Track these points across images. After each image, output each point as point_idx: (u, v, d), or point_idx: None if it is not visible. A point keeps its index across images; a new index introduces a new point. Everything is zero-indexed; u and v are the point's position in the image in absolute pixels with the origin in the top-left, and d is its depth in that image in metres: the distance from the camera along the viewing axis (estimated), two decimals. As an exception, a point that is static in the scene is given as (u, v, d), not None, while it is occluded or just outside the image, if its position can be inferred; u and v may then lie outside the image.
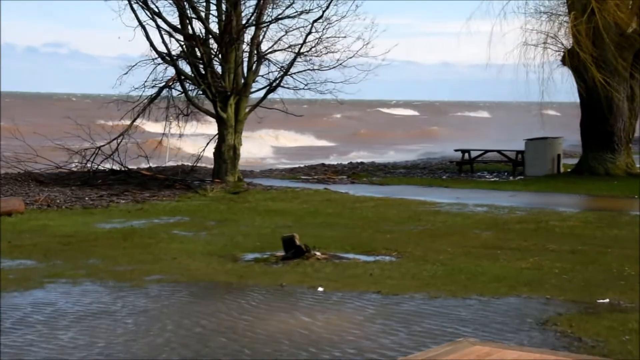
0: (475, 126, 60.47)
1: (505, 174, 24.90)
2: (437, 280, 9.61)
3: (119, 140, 20.99)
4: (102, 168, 21.04)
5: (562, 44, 24.72)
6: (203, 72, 20.55)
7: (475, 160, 25.99)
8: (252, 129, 33.73)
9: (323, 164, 27.53)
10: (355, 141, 48.45)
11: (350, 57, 21.13)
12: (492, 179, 23.44)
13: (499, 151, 25.78)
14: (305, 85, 21.41)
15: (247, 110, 21.17)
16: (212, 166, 21.31)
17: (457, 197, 18.59)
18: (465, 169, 25.61)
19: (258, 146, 38.85)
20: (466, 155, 25.93)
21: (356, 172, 25.12)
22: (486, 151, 25.99)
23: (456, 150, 27.22)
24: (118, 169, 21.02)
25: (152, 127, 26.50)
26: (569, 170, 24.94)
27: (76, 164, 21.23)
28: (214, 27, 20.87)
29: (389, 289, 9.10)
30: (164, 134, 22.26)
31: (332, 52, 21.11)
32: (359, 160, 30.07)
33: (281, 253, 11.01)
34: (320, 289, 9.14)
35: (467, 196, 18.89)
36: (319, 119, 62.58)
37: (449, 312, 8.14)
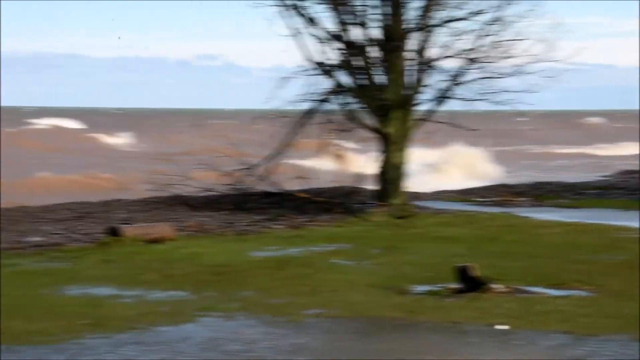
0: None
1: None
2: (640, 319, 9.29)
3: (272, 160, 21.50)
4: (255, 190, 21.60)
5: None
6: (363, 83, 20.75)
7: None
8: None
9: (502, 184, 27.11)
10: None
11: (531, 63, 20.73)
12: None
13: None
14: (479, 95, 21.19)
15: (413, 124, 21.17)
16: (374, 187, 21.42)
17: (663, 222, 17.87)
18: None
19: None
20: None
21: (540, 194, 24.55)
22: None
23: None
24: (272, 191, 21.52)
25: (308, 144, 26.96)
26: None
27: (227, 186, 21.88)
28: (375, 33, 21.04)
29: (583, 328, 8.90)
30: (321, 150, 22.54)
31: (510, 58, 20.78)
32: (544, 180, 29.41)
33: (455, 285, 10.92)
34: (501, 327, 8.99)
35: (675, 220, 18.10)
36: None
37: (655, 357, 7.87)
